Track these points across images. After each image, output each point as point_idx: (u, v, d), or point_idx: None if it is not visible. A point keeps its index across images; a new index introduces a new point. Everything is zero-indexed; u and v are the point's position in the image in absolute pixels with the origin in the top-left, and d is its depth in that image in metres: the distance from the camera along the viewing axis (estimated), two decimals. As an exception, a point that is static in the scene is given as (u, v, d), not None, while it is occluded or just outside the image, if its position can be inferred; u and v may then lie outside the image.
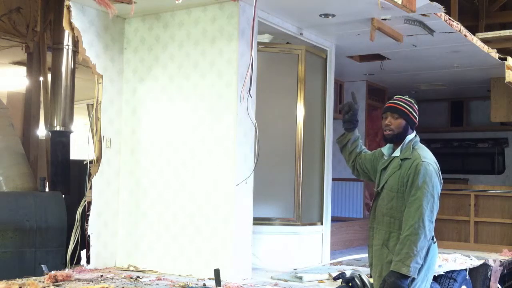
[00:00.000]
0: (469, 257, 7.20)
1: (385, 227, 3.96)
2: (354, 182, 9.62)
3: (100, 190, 6.05)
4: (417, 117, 4.13)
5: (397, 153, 4.05)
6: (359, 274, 4.57)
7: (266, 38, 6.71)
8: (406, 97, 4.16)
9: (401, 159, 3.99)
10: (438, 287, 6.40)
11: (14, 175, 7.65)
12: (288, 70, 6.65)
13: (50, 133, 8.49)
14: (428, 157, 3.95)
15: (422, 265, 3.84)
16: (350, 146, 4.45)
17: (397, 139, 4.07)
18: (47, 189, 8.11)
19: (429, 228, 3.80)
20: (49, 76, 8.78)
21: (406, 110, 4.06)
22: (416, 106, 4.15)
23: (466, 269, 6.86)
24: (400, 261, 3.75)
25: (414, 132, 4.14)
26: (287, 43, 6.81)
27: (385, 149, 4.18)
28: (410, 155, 3.96)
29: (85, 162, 6.19)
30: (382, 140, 4.26)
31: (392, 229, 3.93)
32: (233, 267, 5.51)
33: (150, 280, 5.36)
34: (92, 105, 6.37)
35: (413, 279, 3.81)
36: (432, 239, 3.94)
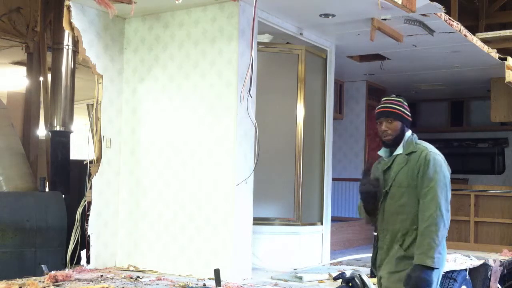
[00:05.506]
0: (469, 257, 7.19)
1: (397, 226, 3.86)
2: (354, 182, 9.62)
3: (100, 190, 6.05)
4: (410, 115, 4.04)
5: (399, 150, 3.98)
6: (359, 274, 4.57)
7: (266, 38, 6.70)
8: (394, 97, 4.07)
9: (406, 154, 3.92)
10: (438, 287, 6.40)
11: (14, 175, 7.66)
12: (288, 70, 6.65)
13: (50, 133, 8.49)
14: (433, 149, 3.92)
15: None
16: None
17: (396, 142, 4.00)
18: (47, 189, 8.11)
19: (447, 217, 3.74)
20: (49, 76, 8.78)
21: (399, 112, 3.98)
22: (406, 104, 4.06)
23: (466, 269, 6.85)
24: (423, 254, 3.67)
25: (410, 130, 4.06)
26: (287, 43, 6.81)
27: (382, 152, 4.09)
28: (415, 149, 3.91)
29: (85, 162, 6.20)
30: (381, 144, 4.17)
31: (404, 226, 3.82)
32: (233, 267, 5.51)
33: (150, 280, 5.36)
34: (92, 105, 6.37)
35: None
36: None
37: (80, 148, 9.48)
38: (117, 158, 6.24)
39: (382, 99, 4.09)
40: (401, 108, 4.00)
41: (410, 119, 4.05)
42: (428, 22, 6.39)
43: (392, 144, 4.01)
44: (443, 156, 3.93)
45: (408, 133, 4.02)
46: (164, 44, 6.06)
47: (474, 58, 7.93)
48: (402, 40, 6.85)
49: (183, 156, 5.88)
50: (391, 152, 4.02)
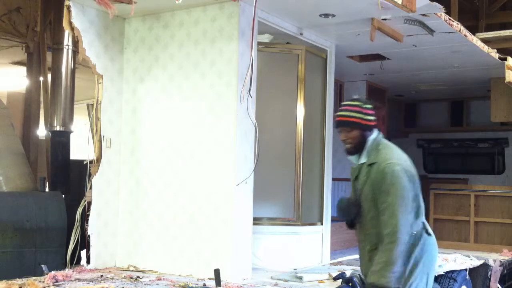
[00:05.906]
0: (469, 257, 7.20)
1: (374, 239, 3.80)
2: (354, 182, 9.61)
3: (100, 190, 6.05)
4: (372, 118, 3.88)
5: (364, 158, 3.88)
6: (359, 274, 4.57)
7: (266, 38, 6.70)
8: (353, 102, 3.93)
9: (369, 165, 3.82)
10: (438, 287, 6.41)
11: (14, 175, 7.64)
12: (288, 70, 6.65)
13: (50, 133, 8.49)
14: (393, 157, 3.76)
15: (418, 261, 3.71)
16: None
17: (359, 149, 3.90)
18: (47, 189, 8.10)
19: (405, 231, 3.61)
20: (49, 76, 8.78)
21: (355, 120, 3.84)
22: (368, 106, 3.90)
23: (466, 269, 6.86)
24: (378, 272, 3.61)
25: (375, 131, 3.92)
26: (287, 43, 6.81)
27: (353, 158, 4.00)
28: (375, 159, 3.79)
29: (85, 162, 6.19)
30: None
31: (381, 239, 3.72)
32: (233, 267, 5.51)
33: (150, 280, 5.36)
34: (92, 105, 6.37)
35: (408, 279, 3.71)
36: (427, 232, 3.79)
37: (80, 148, 9.48)
38: (117, 158, 6.24)
39: (342, 104, 3.98)
40: (359, 115, 3.86)
41: (372, 123, 3.88)
42: (428, 22, 6.39)
43: (354, 152, 3.93)
44: (407, 164, 3.76)
45: (372, 136, 3.89)
46: (164, 44, 6.06)
47: (474, 58, 7.92)
48: (402, 40, 6.85)
49: (183, 156, 5.88)
50: (360, 156, 3.94)
